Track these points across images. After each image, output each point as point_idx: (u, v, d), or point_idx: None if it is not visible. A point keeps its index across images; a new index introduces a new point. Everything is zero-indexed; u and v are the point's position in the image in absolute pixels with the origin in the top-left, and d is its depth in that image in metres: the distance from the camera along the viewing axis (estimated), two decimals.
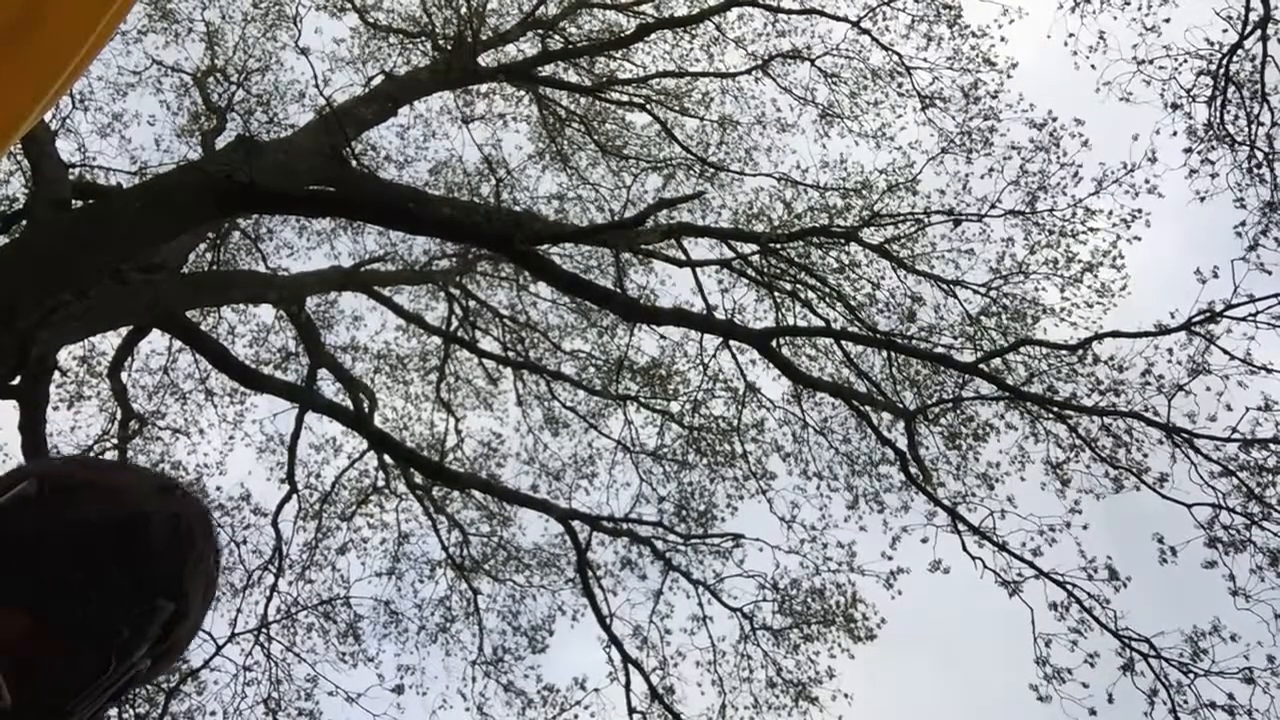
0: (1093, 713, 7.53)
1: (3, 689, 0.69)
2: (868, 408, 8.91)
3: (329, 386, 9.28)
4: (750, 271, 9.21)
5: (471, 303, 10.25)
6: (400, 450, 9.08)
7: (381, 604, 9.53)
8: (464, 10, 9.35)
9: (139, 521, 0.80)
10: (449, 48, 9.21)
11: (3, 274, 4.69)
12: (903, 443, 8.85)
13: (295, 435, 8.96)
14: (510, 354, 10.13)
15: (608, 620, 8.94)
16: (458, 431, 9.97)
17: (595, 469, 9.95)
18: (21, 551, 0.70)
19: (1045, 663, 8.06)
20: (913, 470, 8.80)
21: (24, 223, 6.29)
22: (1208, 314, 6.89)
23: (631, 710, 8.74)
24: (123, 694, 0.78)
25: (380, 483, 9.71)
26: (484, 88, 10.29)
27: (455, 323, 10.16)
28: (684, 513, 9.43)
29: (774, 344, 8.78)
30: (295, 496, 9.21)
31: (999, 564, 8.25)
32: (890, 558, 8.93)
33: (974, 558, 8.38)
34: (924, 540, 8.73)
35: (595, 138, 10.46)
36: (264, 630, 8.47)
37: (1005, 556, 8.29)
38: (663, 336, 9.62)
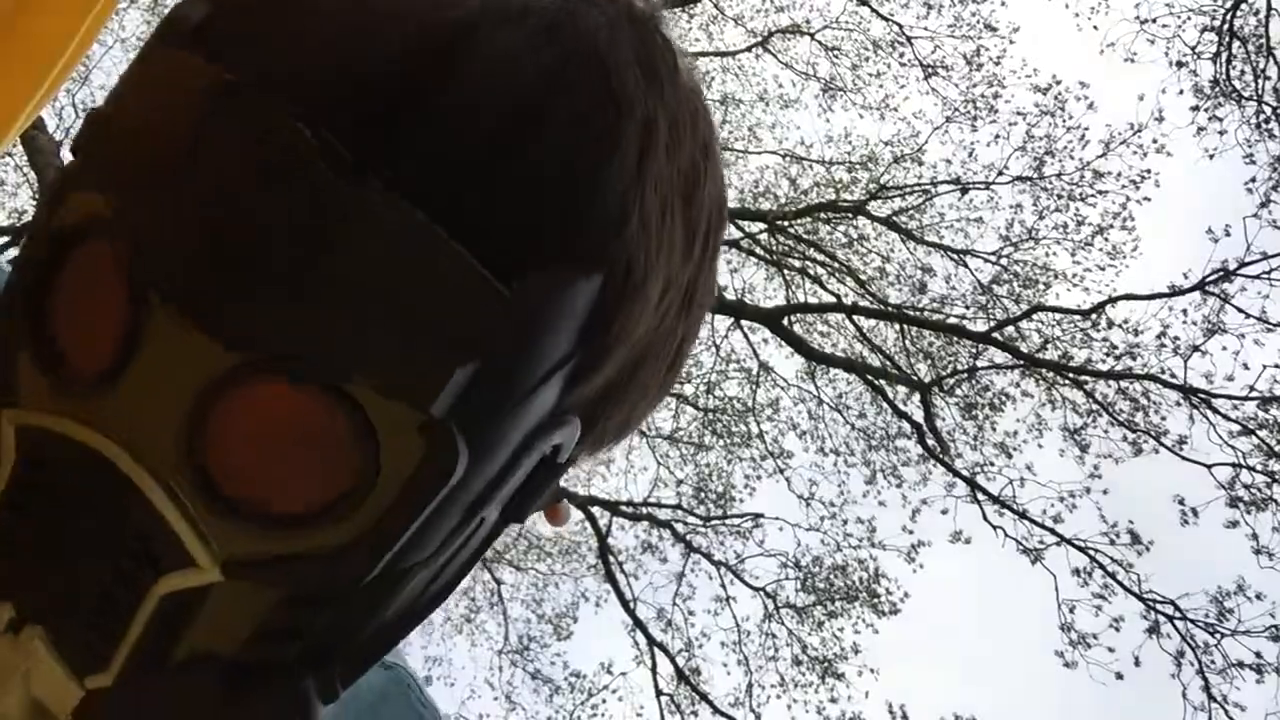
0: (1119, 676, 7.52)
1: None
2: (882, 382, 8.88)
3: None
4: (758, 250, 9.18)
5: None
6: None
7: None
8: None
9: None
10: None
11: None
12: (919, 415, 8.83)
13: None
14: None
15: (631, 604, 8.97)
16: None
17: (612, 458, 9.96)
18: None
19: (1070, 629, 8.05)
20: (930, 442, 8.78)
21: None
22: (1221, 273, 6.85)
23: (659, 692, 8.78)
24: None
25: None
26: None
27: None
28: (702, 495, 9.43)
29: (785, 322, 8.75)
30: None
31: (1020, 532, 8.25)
32: (911, 531, 8.94)
33: (995, 527, 8.38)
34: (944, 512, 8.73)
35: None
36: None
37: (1026, 524, 8.28)
38: None
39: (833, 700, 8.76)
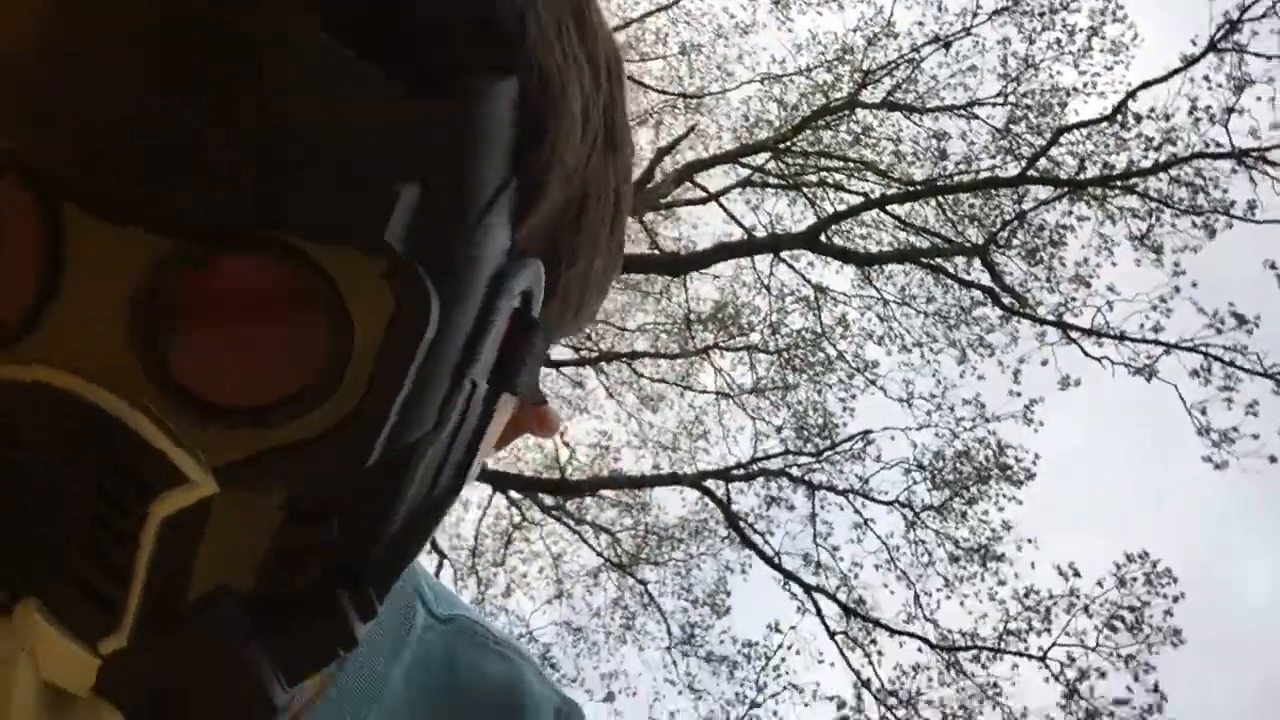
0: (1273, 459, 7.26)
1: None
2: (938, 260, 8.72)
3: None
4: (772, 180, 9.08)
5: None
6: (521, 481, 9.20)
7: (563, 626, 9.69)
8: None
9: None
10: None
11: None
12: (985, 279, 8.65)
13: None
14: (582, 353, 10.17)
15: (776, 560, 8.94)
16: (565, 444, 10.05)
17: (705, 426, 9.93)
18: None
19: (1208, 431, 7.82)
20: (1006, 301, 8.59)
21: None
22: (1228, 25, 6.56)
23: (832, 634, 8.73)
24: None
25: (516, 519, 9.86)
26: None
27: None
28: (805, 433, 9.36)
29: (823, 238, 8.64)
30: (445, 562, 9.40)
31: (1124, 355, 8.03)
32: (1018, 394, 8.75)
33: (1098, 359, 8.17)
34: (1043, 363, 8.54)
35: None
36: None
37: (1128, 346, 8.05)
38: (716, 277, 9.55)
39: (1001, 583, 8.63)
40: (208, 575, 0.33)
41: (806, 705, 8.94)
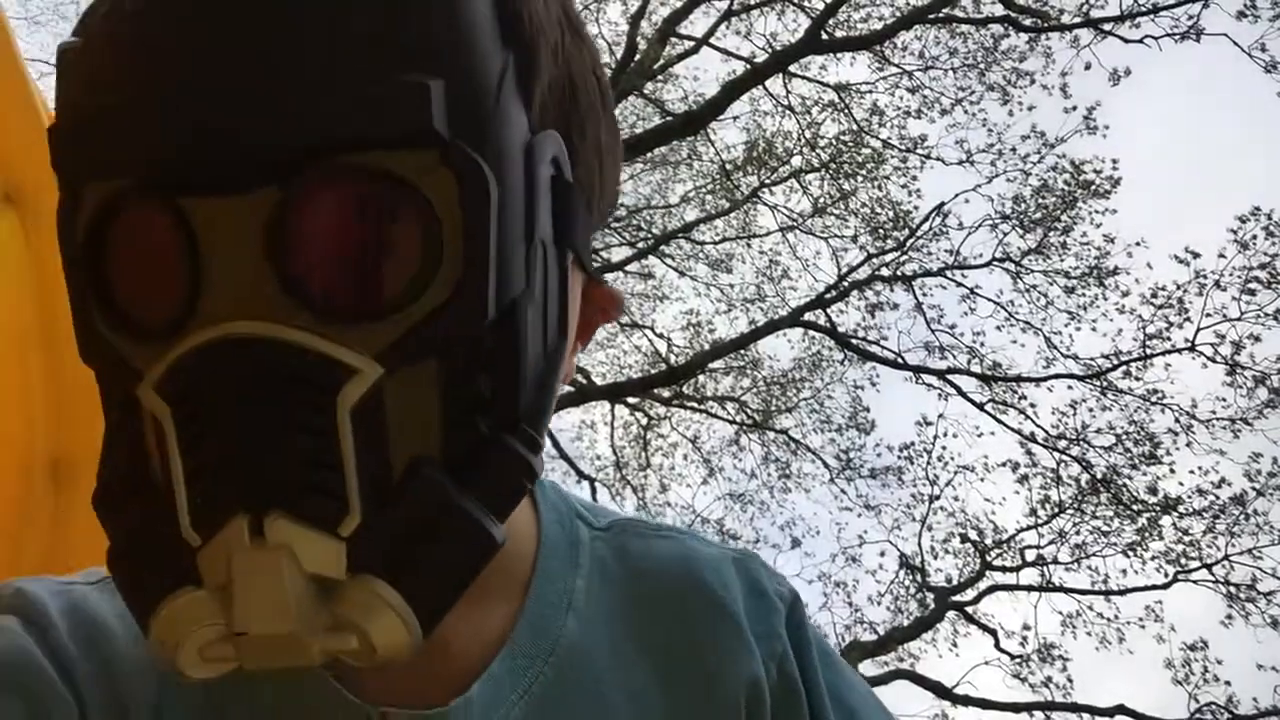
0: None
1: None
2: (945, 10, 8.40)
3: None
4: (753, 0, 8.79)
5: None
6: (633, 386, 9.29)
7: (727, 498, 9.87)
8: None
9: None
10: None
11: None
12: (999, 10, 8.32)
13: (555, 443, 9.31)
14: (640, 245, 10.12)
15: (900, 360, 8.92)
16: (660, 335, 10.08)
17: (783, 266, 9.85)
18: None
19: (1275, 67, 7.53)
20: (1027, 22, 8.27)
21: None
22: None
23: (980, 406, 8.73)
24: None
25: (643, 421, 9.98)
26: None
27: None
28: (880, 231, 9.22)
29: (824, 35, 8.38)
30: (595, 485, 9.60)
31: (1164, 27, 7.69)
32: (1073, 108, 8.48)
33: (1139, 41, 7.85)
34: (1087, 67, 8.24)
35: None
36: None
37: (1165, 15, 7.71)
38: (736, 118, 9.35)
39: (1125, 294, 8.50)
40: (403, 449, 0.40)
41: (983, 480, 9.03)
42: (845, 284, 9.14)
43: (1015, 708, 8.53)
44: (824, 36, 8.38)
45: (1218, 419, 8.14)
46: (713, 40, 8.98)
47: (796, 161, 9.40)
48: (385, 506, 0.39)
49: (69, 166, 0.41)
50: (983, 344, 8.79)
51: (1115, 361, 8.43)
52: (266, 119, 0.38)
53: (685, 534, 0.62)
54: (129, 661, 0.48)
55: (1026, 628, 8.80)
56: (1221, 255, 8.08)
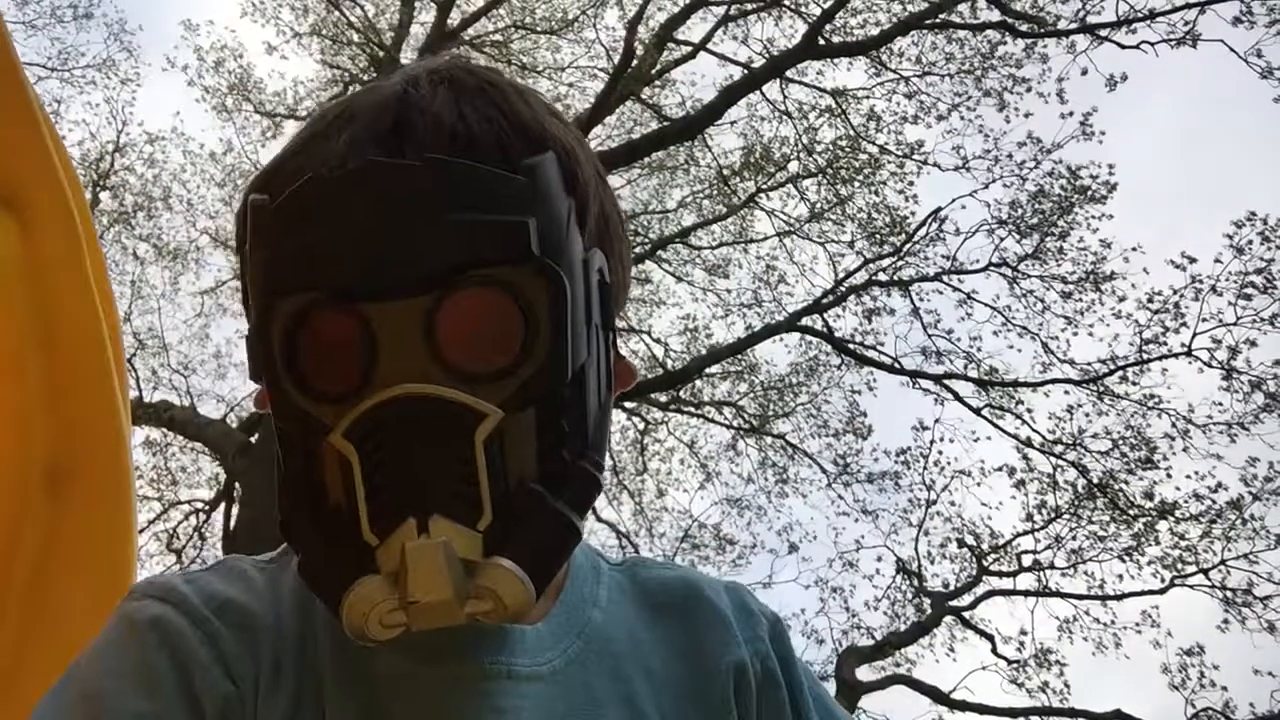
0: None
1: None
2: (941, 15, 8.42)
3: None
4: (750, 4, 8.81)
5: None
6: (630, 391, 9.28)
7: (724, 503, 9.87)
8: None
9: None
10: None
11: None
12: (995, 16, 8.34)
13: None
14: (636, 250, 10.11)
15: (896, 365, 8.92)
16: (655, 340, 10.08)
17: (779, 271, 9.84)
18: None
19: (1270, 73, 7.55)
20: (1023, 28, 8.29)
21: None
22: None
23: (976, 410, 8.74)
24: None
25: (640, 426, 9.98)
26: None
27: None
28: (877, 236, 9.23)
29: (821, 41, 8.40)
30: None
31: (1161, 33, 7.71)
32: (1070, 113, 8.49)
33: (1135, 47, 7.87)
34: (1084, 72, 8.25)
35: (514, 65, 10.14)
36: None
37: (1162, 21, 7.73)
38: (733, 123, 9.36)
39: (1121, 299, 8.51)
40: (515, 469, 0.56)
41: (980, 485, 9.03)
42: (842, 289, 9.15)
43: (1012, 713, 8.53)
44: (821, 42, 8.41)
45: (1214, 424, 8.15)
46: (710, 45, 9.00)
47: (793, 167, 9.41)
48: (506, 509, 0.54)
49: (274, 283, 0.57)
50: (979, 349, 8.81)
51: (1112, 366, 8.45)
52: (421, 250, 0.55)
53: (687, 568, 0.79)
54: (266, 630, 0.63)
55: (1023, 633, 8.83)
56: (1218, 260, 8.11)
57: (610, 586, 0.72)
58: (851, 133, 9.12)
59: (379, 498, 0.54)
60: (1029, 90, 8.60)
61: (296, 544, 0.58)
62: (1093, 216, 8.62)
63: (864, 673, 8.79)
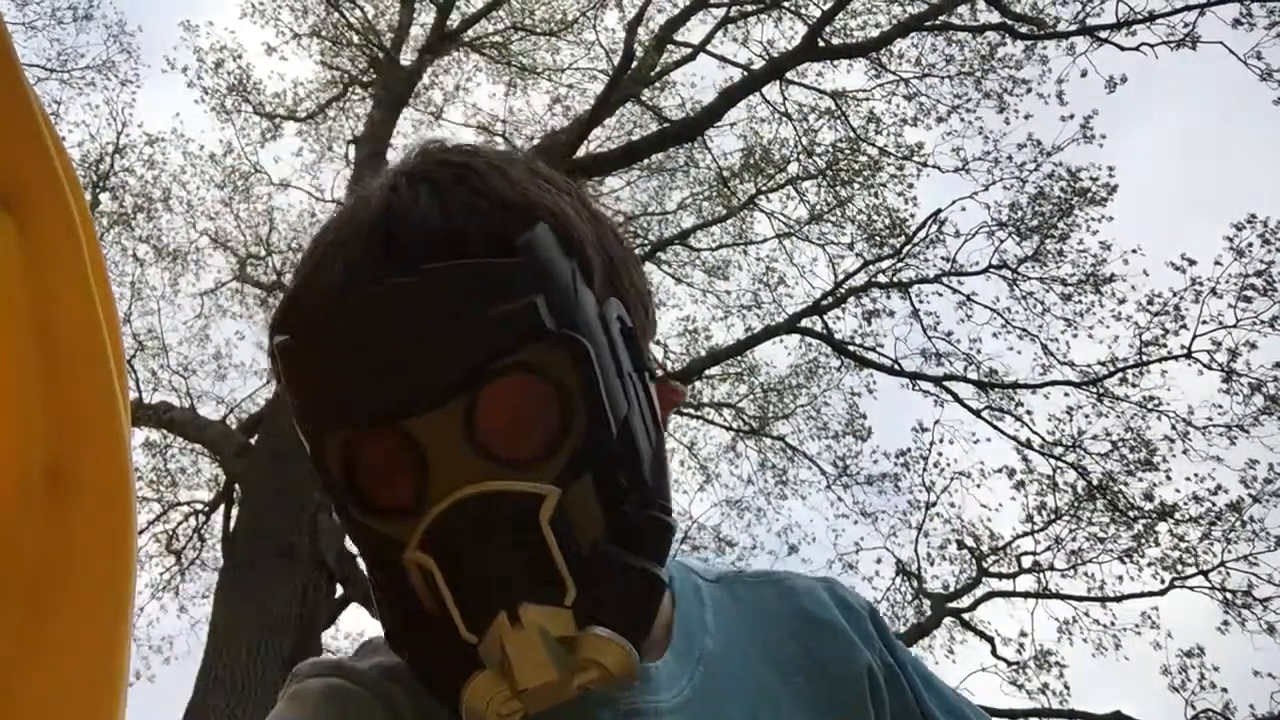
0: None
1: None
2: (941, 17, 8.42)
3: None
4: (749, 6, 8.81)
5: None
6: None
7: (723, 505, 9.86)
8: None
9: None
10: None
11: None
12: (994, 17, 8.34)
13: None
14: (636, 251, 10.08)
15: (896, 367, 8.92)
16: (655, 343, 10.03)
17: (779, 273, 9.84)
18: None
19: (1270, 75, 7.54)
20: (1023, 29, 8.29)
21: None
22: None
23: (976, 412, 8.73)
24: None
25: None
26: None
27: None
28: (877, 238, 9.23)
29: (821, 43, 8.40)
30: None
31: (1160, 35, 7.71)
32: (1070, 116, 8.49)
33: (1135, 49, 7.87)
34: (1083, 74, 8.25)
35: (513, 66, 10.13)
36: None
37: (1162, 23, 7.74)
38: (733, 125, 9.36)
39: (1121, 301, 8.51)
40: (586, 536, 0.57)
41: (979, 486, 9.02)
42: (842, 291, 9.14)
43: (1013, 714, 8.51)
44: (821, 44, 8.40)
45: (1214, 426, 8.14)
46: (710, 47, 9.00)
47: (793, 168, 9.40)
48: (587, 577, 0.56)
49: (314, 423, 0.60)
50: (979, 351, 8.81)
51: (1112, 368, 8.44)
52: (441, 360, 0.55)
53: (778, 575, 0.81)
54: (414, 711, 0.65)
55: (1023, 634, 8.81)
56: (1218, 262, 8.10)
57: (715, 610, 0.74)
58: (851, 134, 9.12)
59: (466, 599, 0.55)
60: (1029, 92, 8.61)
61: (404, 651, 0.60)
62: (1093, 218, 8.62)
63: None
